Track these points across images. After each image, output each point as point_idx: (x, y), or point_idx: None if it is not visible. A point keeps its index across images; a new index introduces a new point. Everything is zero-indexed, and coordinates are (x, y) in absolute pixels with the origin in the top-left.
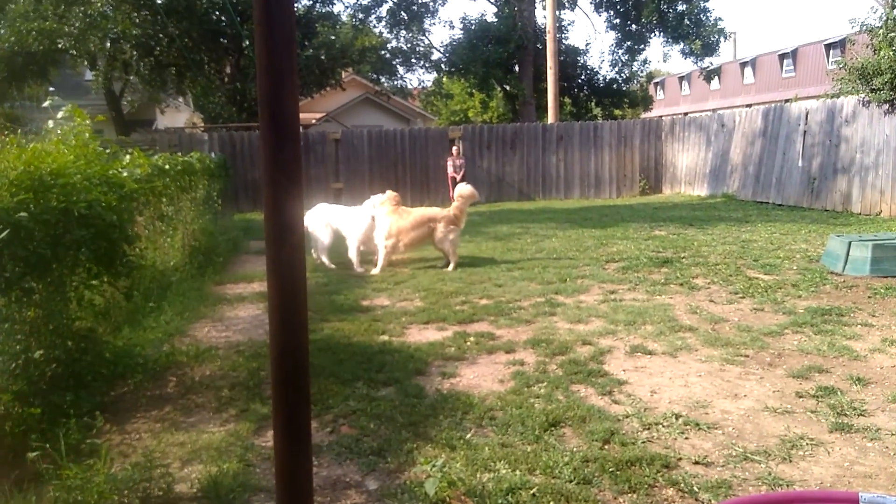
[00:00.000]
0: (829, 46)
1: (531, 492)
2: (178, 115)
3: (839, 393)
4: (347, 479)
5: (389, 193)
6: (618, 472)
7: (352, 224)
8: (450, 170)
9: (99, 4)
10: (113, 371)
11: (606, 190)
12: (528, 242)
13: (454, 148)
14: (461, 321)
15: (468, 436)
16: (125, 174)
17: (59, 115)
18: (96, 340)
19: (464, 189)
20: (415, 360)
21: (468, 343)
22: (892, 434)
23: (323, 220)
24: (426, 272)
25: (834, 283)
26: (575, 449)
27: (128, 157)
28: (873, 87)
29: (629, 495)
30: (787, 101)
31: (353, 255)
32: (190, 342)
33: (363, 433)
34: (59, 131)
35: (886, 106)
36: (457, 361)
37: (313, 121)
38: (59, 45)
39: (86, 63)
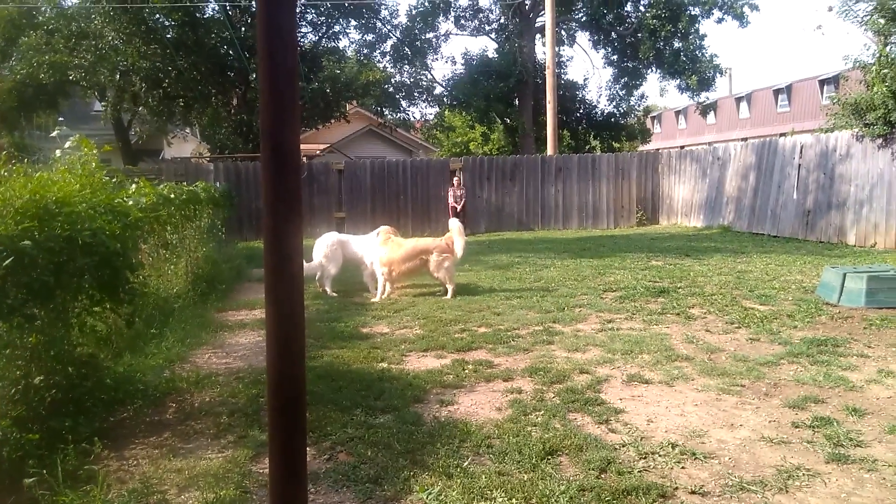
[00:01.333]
0: (823, 82)
1: None
2: (184, 146)
3: (835, 423)
4: None
5: (383, 228)
6: (614, 502)
7: (371, 251)
8: (450, 200)
9: (110, 38)
10: (113, 397)
11: (604, 221)
12: (526, 272)
13: (455, 179)
14: (460, 349)
15: (465, 464)
16: (130, 203)
17: (67, 144)
18: (97, 366)
19: (452, 224)
20: (413, 388)
21: (466, 371)
22: (889, 465)
23: (333, 248)
24: (426, 300)
25: (829, 314)
26: (571, 478)
27: (133, 186)
28: (867, 121)
29: None
30: (782, 135)
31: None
32: (190, 368)
33: (360, 460)
34: (66, 160)
35: (880, 140)
36: (455, 389)
37: (317, 151)
38: (70, 77)
39: (95, 94)
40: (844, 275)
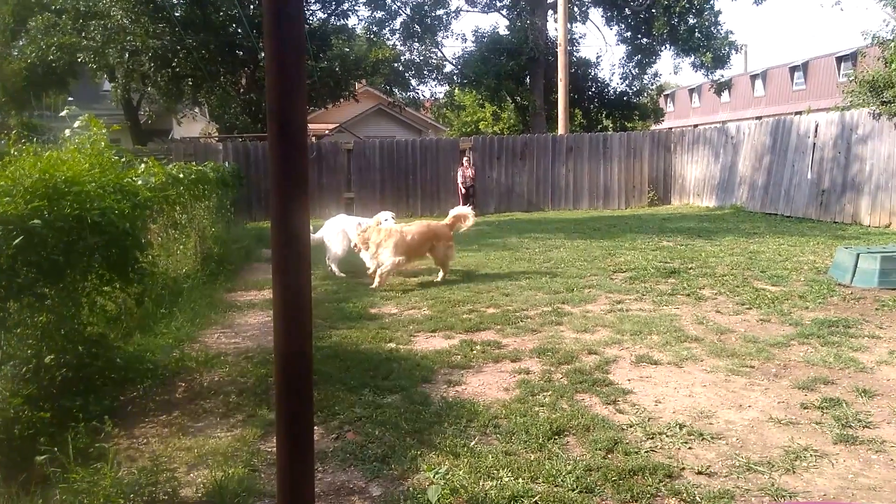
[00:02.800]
0: (840, 59)
1: (533, 500)
2: (194, 126)
3: (844, 405)
4: (351, 484)
5: (385, 215)
6: (620, 482)
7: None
8: (459, 180)
9: (118, 18)
10: (123, 376)
11: (615, 201)
12: (535, 252)
13: (465, 158)
14: (468, 330)
15: (472, 443)
16: (139, 183)
17: (76, 124)
18: (107, 346)
19: (456, 210)
20: (421, 368)
21: (474, 351)
22: None
23: (340, 230)
24: (434, 281)
25: (841, 295)
26: (578, 458)
27: (143, 166)
28: (884, 99)
29: None
30: (797, 113)
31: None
32: (200, 348)
33: (368, 440)
34: (75, 140)
35: None
36: (463, 370)
37: (327, 131)
38: (79, 58)
39: (104, 74)
40: (858, 255)
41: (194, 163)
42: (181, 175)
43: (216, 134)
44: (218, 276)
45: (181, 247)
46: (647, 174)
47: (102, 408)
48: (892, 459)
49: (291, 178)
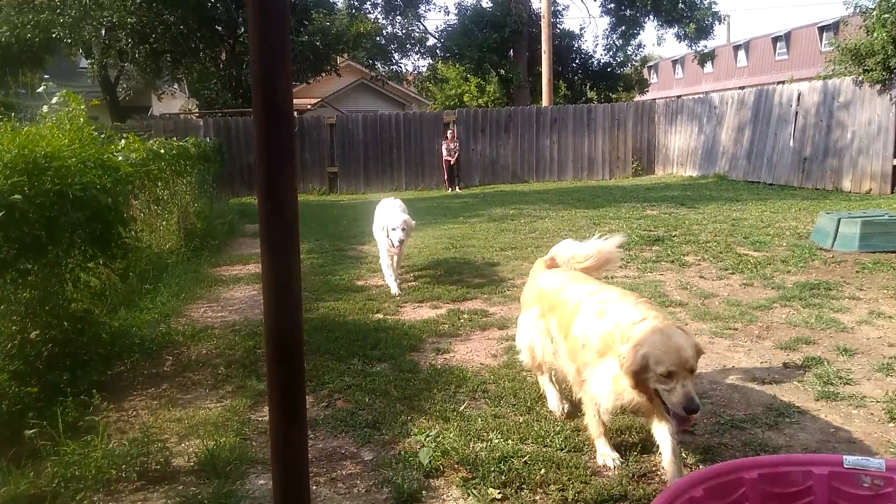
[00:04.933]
0: (822, 29)
1: (523, 460)
2: (174, 102)
3: (826, 363)
4: (343, 450)
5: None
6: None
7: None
8: (444, 153)
9: None
10: (110, 351)
11: (599, 172)
12: (521, 223)
13: (448, 132)
14: (455, 299)
15: (461, 408)
16: (120, 158)
17: (54, 100)
18: (92, 321)
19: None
20: (409, 338)
21: (462, 320)
22: (877, 401)
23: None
24: (420, 253)
25: (823, 259)
26: (565, 419)
27: (122, 141)
28: (866, 67)
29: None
30: (780, 83)
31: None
32: (186, 322)
33: (358, 407)
34: (53, 116)
35: (879, 86)
36: (450, 338)
37: (308, 106)
38: (54, 34)
39: (80, 51)
40: (839, 220)
41: (175, 139)
42: (162, 151)
43: (196, 110)
44: (202, 252)
45: (164, 222)
46: (631, 145)
47: (90, 382)
48: (871, 414)
49: (278, 147)
